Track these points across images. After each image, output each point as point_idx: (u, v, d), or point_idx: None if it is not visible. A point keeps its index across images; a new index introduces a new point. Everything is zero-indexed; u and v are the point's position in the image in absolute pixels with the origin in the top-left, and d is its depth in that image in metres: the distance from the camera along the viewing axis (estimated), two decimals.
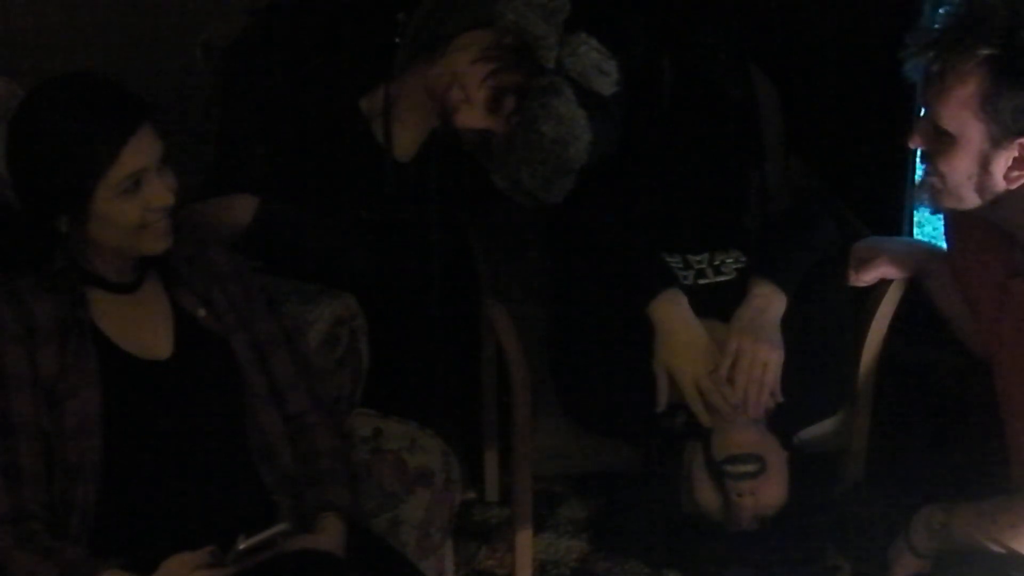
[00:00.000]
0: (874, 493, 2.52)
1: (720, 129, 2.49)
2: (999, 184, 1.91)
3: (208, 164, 2.36)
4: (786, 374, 2.22)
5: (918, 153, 2.02)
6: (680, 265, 2.35)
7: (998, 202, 1.94)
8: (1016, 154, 1.88)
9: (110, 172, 1.78)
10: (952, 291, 2.23)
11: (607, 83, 2.21)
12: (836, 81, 2.89)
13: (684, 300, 2.25)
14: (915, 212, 2.65)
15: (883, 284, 2.36)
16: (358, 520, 1.97)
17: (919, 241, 2.60)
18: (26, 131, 1.83)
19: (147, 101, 1.84)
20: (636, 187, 2.41)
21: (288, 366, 2.03)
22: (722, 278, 2.34)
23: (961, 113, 1.87)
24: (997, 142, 1.87)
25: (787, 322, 2.25)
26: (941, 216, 2.25)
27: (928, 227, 2.62)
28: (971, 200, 1.95)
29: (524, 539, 2.49)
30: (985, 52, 1.84)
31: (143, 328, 1.93)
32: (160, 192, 1.83)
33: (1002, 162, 1.89)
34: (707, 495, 2.21)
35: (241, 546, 1.77)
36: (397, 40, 2.32)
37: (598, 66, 2.20)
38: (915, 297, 2.36)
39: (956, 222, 2.17)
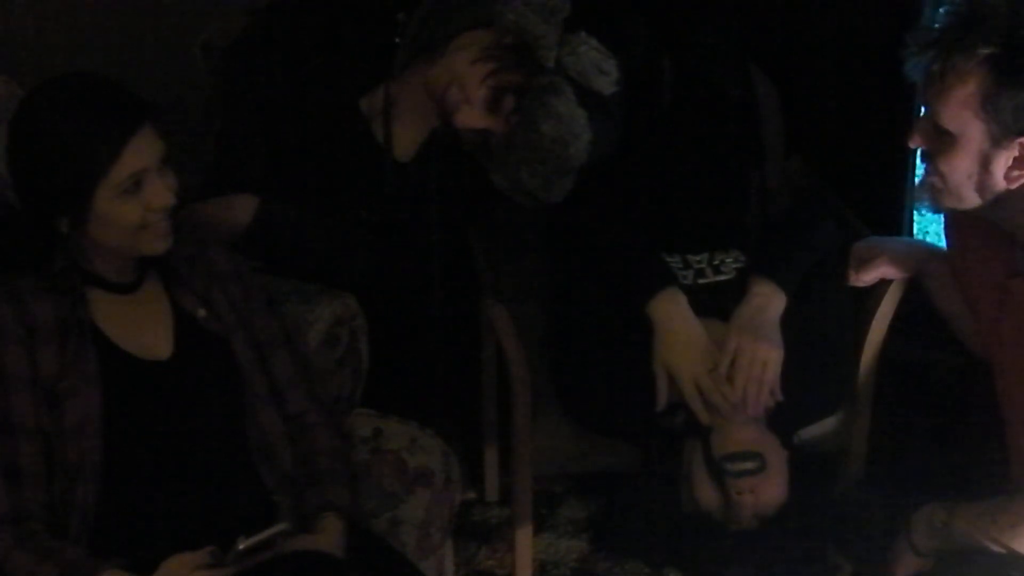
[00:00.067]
0: (874, 493, 2.52)
1: (720, 129, 2.49)
2: (999, 184, 1.91)
3: (208, 164, 2.36)
4: (786, 373, 2.22)
5: (918, 153, 2.02)
6: (680, 265, 2.35)
7: (998, 202, 1.94)
8: (1016, 153, 1.88)
9: (111, 172, 1.78)
10: (952, 291, 2.22)
11: (607, 83, 2.21)
12: (836, 81, 2.90)
13: (683, 299, 2.25)
14: (915, 212, 2.66)
15: (883, 284, 2.36)
16: (358, 520, 1.97)
17: (919, 241, 2.61)
18: (26, 131, 1.83)
19: (147, 101, 1.83)
20: (636, 187, 2.40)
21: (288, 366, 2.03)
22: (721, 277, 2.34)
23: (962, 112, 1.87)
24: (997, 141, 1.87)
25: (787, 321, 2.25)
26: (941, 216, 2.25)
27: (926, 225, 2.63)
28: (971, 200, 1.95)
29: (524, 539, 2.48)
30: (986, 51, 1.84)
31: (143, 328, 1.92)
32: (161, 192, 1.83)
33: (1002, 161, 1.89)
34: (707, 494, 2.21)
35: (241, 546, 1.77)
36: (397, 40, 2.32)
37: (598, 66, 2.20)
38: (915, 297, 2.36)
39: (956, 222, 2.17)
